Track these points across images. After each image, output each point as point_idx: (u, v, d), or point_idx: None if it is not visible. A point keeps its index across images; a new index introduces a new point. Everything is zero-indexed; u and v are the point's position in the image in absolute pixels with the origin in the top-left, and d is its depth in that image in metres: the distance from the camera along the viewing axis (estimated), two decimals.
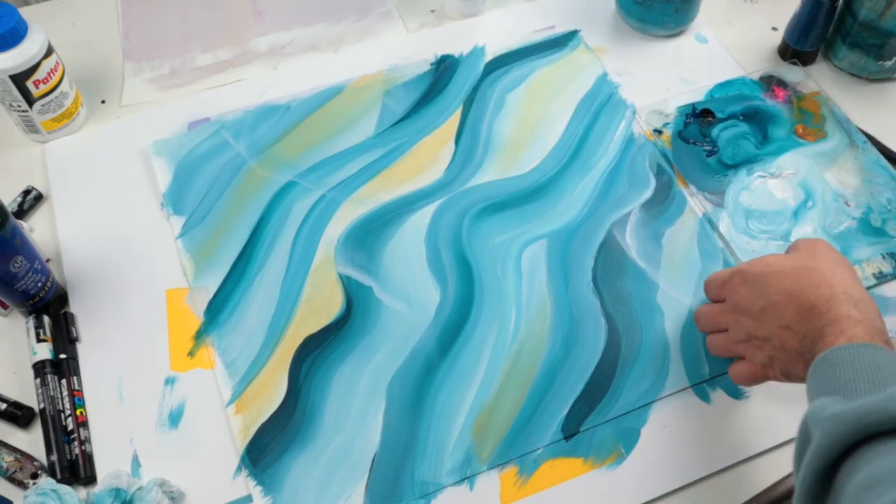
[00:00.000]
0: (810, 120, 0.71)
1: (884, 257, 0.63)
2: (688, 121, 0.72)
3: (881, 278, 0.63)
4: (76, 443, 0.55)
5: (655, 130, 0.71)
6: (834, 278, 0.48)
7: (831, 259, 0.50)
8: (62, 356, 0.58)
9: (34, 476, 0.53)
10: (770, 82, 0.74)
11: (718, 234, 0.65)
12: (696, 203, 0.67)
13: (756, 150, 0.70)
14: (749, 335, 0.52)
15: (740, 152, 0.69)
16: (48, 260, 0.63)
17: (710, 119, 0.71)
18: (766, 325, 0.50)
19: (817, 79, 0.76)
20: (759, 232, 0.65)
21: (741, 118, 0.72)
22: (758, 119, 0.72)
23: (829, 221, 0.65)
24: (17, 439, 0.56)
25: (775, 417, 0.57)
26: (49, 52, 0.67)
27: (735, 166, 0.69)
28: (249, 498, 0.53)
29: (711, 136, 0.70)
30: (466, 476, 0.54)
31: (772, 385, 0.55)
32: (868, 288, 0.61)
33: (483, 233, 0.66)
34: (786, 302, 0.48)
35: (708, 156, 0.69)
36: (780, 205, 0.66)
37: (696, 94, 0.74)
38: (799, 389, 0.48)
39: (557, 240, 0.65)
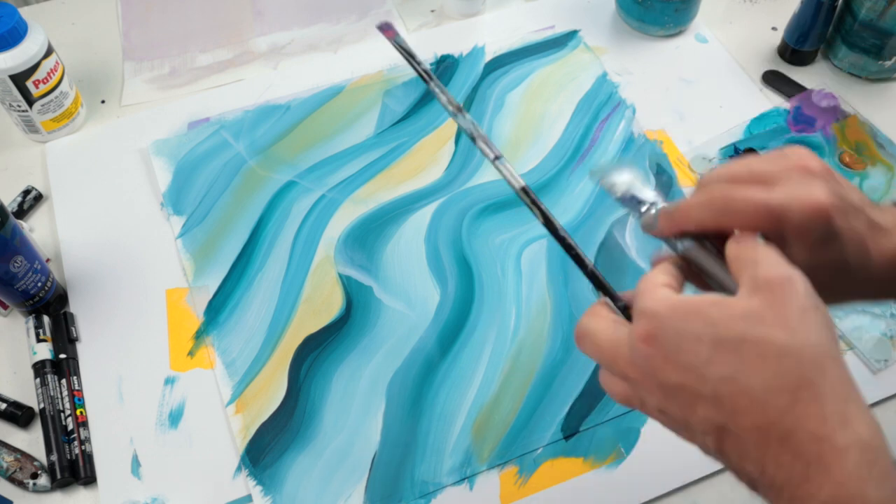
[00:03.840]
0: (857, 147, 0.69)
1: None
2: None
3: None
4: (76, 443, 0.55)
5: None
6: (823, 376, 0.29)
7: (811, 323, 0.29)
8: (62, 356, 0.58)
9: (34, 476, 0.53)
10: (798, 107, 0.72)
11: None
12: None
13: None
14: (660, 411, 0.33)
15: None
16: (48, 260, 0.63)
17: None
18: (692, 417, 0.31)
19: (824, 81, 0.76)
20: None
21: None
22: None
23: None
24: (17, 439, 0.56)
25: None
26: (49, 52, 0.67)
27: None
28: (249, 498, 0.53)
29: None
30: (466, 476, 0.54)
31: None
32: None
33: (483, 233, 0.66)
34: (734, 401, 0.29)
35: None
36: None
37: (733, 133, 0.71)
38: None
39: None
